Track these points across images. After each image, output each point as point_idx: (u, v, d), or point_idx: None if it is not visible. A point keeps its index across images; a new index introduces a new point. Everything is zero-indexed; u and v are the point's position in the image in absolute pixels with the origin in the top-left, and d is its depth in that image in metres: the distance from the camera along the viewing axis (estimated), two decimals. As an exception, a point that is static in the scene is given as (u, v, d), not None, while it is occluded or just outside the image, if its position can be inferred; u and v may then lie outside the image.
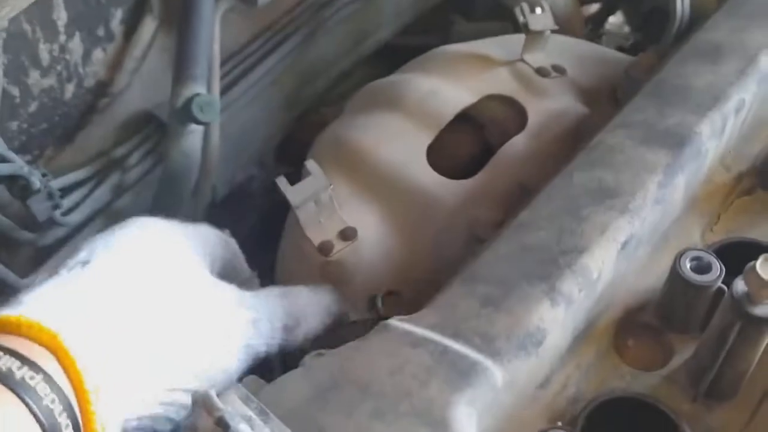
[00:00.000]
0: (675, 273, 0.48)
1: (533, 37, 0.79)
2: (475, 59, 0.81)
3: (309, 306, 0.58)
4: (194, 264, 0.52)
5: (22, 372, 0.39)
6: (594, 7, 1.25)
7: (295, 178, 0.69)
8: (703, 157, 0.54)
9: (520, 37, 0.81)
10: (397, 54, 1.07)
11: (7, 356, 0.39)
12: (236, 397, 0.41)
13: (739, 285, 0.44)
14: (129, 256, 0.49)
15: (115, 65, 0.80)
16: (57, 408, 0.39)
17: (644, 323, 0.52)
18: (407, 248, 0.69)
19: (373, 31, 1.05)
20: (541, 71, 0.79)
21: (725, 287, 0.46)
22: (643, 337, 0.52)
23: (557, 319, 0.46)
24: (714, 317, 0.46)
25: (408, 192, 0.71)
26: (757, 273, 0.41)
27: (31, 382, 0.39)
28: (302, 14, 0.96)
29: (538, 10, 0.79)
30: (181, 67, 0.76)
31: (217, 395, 0.41)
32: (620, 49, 0.91)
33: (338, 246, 0.68)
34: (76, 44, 0.74)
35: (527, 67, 0.79)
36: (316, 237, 0.68)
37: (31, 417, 0.38)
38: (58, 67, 0.73)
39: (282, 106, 0.98)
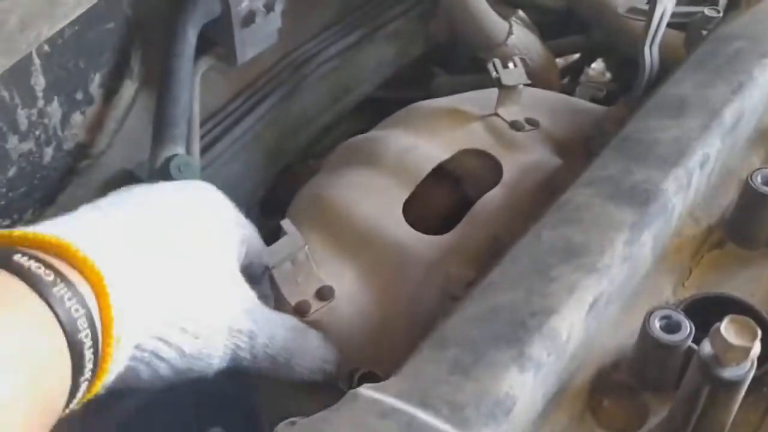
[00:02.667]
0: (645, 333, 0.48)
1: (506, 91, 0.80)
2: (450, 114, 0.82)
3: (310, 352, 0.60)
4: (233, 251, 0.55)
5: (50, 279, 0.40)
6: (573, 57, 1.27)
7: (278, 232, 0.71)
8: (670, 213, 0.55)
9: (494, 91, 0.82)
10: (381, 106, 1.09)
11: (42, 266, 0.41)
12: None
13: (706, 347, 0.43)
14: (186, 215, 0.53)
15: (95, 127, 0.81)
16: (83, 329, 0.41)
17: (618, 382, 0.52)
18: (383, 305, 0.69)
19: (354, 86, 1.06)
20: (514, 125, 0.80)
21: (695, 346, 0.46)
22: (618, 398, 0.51)
23: (526, 384, 0.45)
24: (684, 379, 0.46)
25: (384, 248, 0.71)
26: (722, 335, 0.41)
27: (68, 303, 0.40)
28: (282, 71, 0.97)
29: (511, 65, 0.80)
30: (160, 130, 0.77)
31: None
32: (594, 99, 0.92)
33: (315, 306, 0.68)
34: (55, 108, 0.75)
35: (501, 121, 0.80)
36: (292, 297, 0.68)
37: (55, 322, 0.40)
38: (37, 132, 0.74)
39: (264, 162, 0.99)
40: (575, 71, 1.25)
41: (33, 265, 0.40)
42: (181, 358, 0.49)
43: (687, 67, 0.64)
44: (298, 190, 0.84)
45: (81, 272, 0.43)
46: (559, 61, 1.19)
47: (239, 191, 0.97)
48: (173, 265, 0.50)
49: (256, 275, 0.63)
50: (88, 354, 0.41)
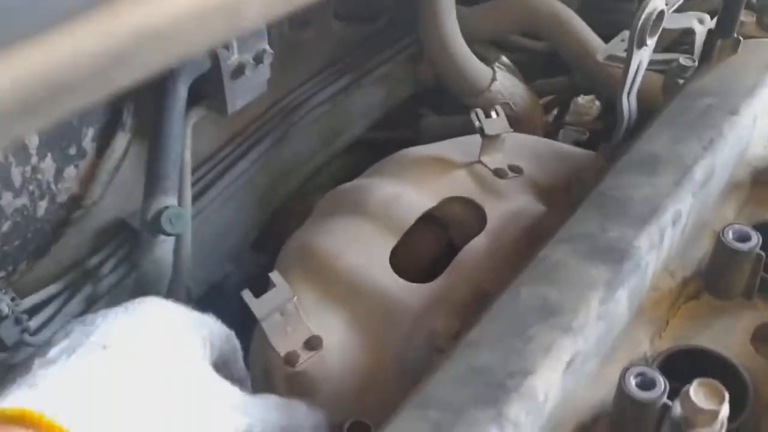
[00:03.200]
0: (621, 390, 0.50)
1: (490, 140, 0.82)
2: (435, 162, 0.84)
3: (302, 425, 0.59)
4: (198, 357, 0.54)
5: None
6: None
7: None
8: (644, 269, 0.56)
9: (479, 137, 0.84)
10: (371, 146, 1.11)
11: None
12: None
13: (677, 409, 0.45)
14: (142, 344, 0.51)
15: (88, 179, 0.82)
16: None
17: (597, 439, 0.53)
18: (372, 354, 0.70)
19: (343, 129, 1.09)
20: (498, 172, 0.82)
21: (670, 402, 0.48)
22: (598, 453, 0.53)
23: (505, 444, 0.47)
24: (658, 437, 0.47)
25: (371, 298, 0.72)
26: (691, 399, 0.43)
27: None
28: (273, 118, 0.99)
29: (494, 114, 0.82)
30: (151, 181, 0.79)
31: None
32: (577, 143, 0.94)
33: (304, 356, 0.69)
34: (48, 164, 0.76)
35: (485, 168, 0.82)
36: (281, 348, 0.69)
37: None
38: (31, 187, 0.75)
39: (256, 206, 1.01)
40: (563, 104, 1.27)
41: None
42: None
43: (660, 123, 0.66)
44: (289, 227, 0.86)
45: None
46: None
47: (231, 235, 0.99)
48: (147, 404, 0.48)
49: (230, 360, 0.62)
50: None
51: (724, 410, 0.43)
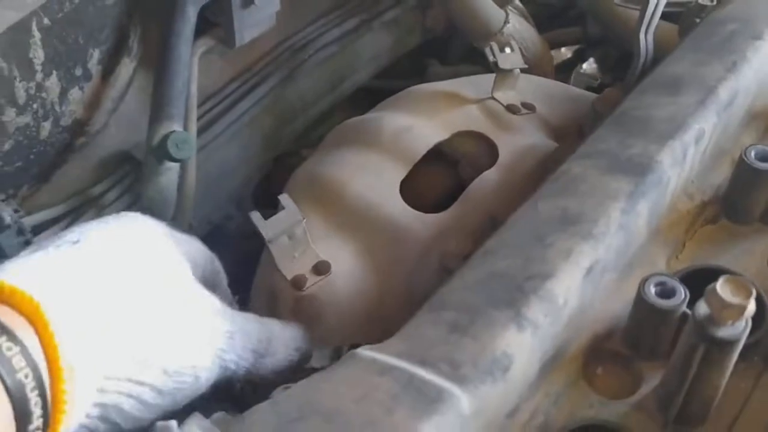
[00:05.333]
0: (640, 298, 0.49)
1: (503, 75, 0.81)
2: (447, 97, 0.83)
3: (279, 337, 0.58)
4: (180, 264, 0.53)
5: (0, 341, 0.38)
6: (564, 52, 1.28)
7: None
8: (665, 185, 0.55)
9: (491, 77, 0.83)
10: (375, 97, 1.10)
11: None
12: (196, 428, 0.41)
13: (702, 307, 0.44)
14: (119, 244, 0.49)
15: (93, 105, 0.81)
16: (29, 384, 0.39)
17: (613, 351, 0.52)
18: (380, 282, 0.69)
19: (350, 73, 1.07)
20: (511, 108, 0.81)
21: (690, 312, 0.47)
22: (612, 365, 0.52)
23: (524, 344, 0.46)
24: (679, 341, 0.46)
25: (381, 226, 0.71)
26: (718, 294, 0.42)
27: (8, 353, 0.38)
28: (280, 56, 0.97)
29: (508, 50, 0.81)
30: (157, 107, 0.77)
31: (179, 426, 0.41)
32: (589, 88, 0.93)
33: (311, 280, 0.68)
34: (53, 83, 0.75)
35: (497, 104, 0.81)
36: (289, 271, 0.68)
37: (1, 387, 0.38)
38: (35, 106, 0.74)
39: (260, 147, 0.99)
40: (567, 70, 1.26)
41: None
42: (164, 378, 0.47)
43: (683, 47, 0.65)
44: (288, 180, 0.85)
45: (25, 316, 0.40)
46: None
47: (234, 175, 0.97)
48: (122, 294, 0.47)
49: (213, 283, 0.61)
50: (34, 398, 0.39)
51: (751, 305, 0.42)
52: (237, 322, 0.54)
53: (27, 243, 0.66)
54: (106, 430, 0.45)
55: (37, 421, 0.39)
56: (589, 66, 1.44)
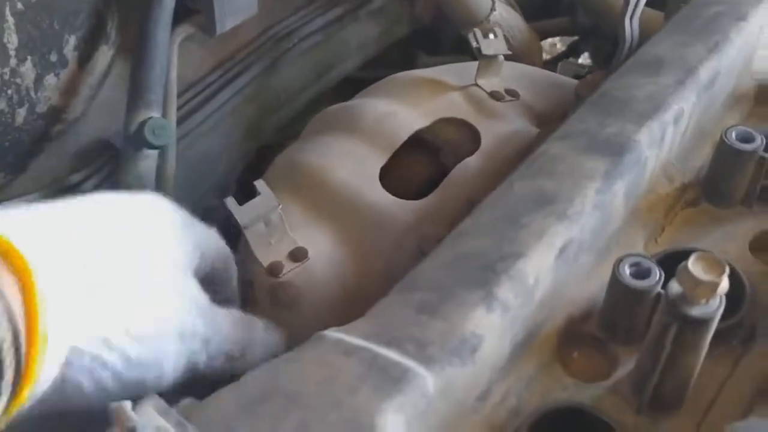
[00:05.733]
0: (614, 279, 0.48)
1: (487, 62, 0.80)
2: (429, 84, 0.82)
3: (259, 343, 0.57)
4: (179, 251, 0.52)
5: None
6: (558, 47, 1.28)
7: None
8: (643, 165, 0.54)
9: (475, 64, 0.82)
10: (362, 87, 1.08)
11: None
12: (152, 409, 0.40)
13: (674, 286, 0.43)
14: (122, 215, 0.49)
15: (70, 92, 0.79)
16: (6, 343, 0.37)
17: (588, 334, 0.51)
18: (359, 269, 0.68)
19: (336, 63, 1.05)
20: (494, 95, 0.79)
21: (664, 292, 0.45)
22: (587, 348, 0.51)
23: (493, 325, 0.45)
24: (653, 321, 0.45)
25: (360, 212, 0.70)
26: (689, 272, 0.41)
27: None
28: (263, 45, 0.96)
29: (491, 36, 0.80)
30: (135, 93, 0.76)
31: (134, 407, 0.40)
32: (576, 76, 0.92)
33: (288, 267, 0.67)
34: (28, 69, 0.74)
35: (481, 91, 0.80)
36: (265, 258, 0.67)
37: None
38: (9, 91, 0.72)
39: (243, 136, 0.98)
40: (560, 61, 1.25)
41: None
42: (127, 364, 0.45)
43: (666, 29, 0.64)
44: None
45: (5, 260, 0.39)
46: (545, 56, 1.19)
47: (216, 165, 0.96)
48: (112, 267, 0.46)
49: (222, 279, 0.60)
50: (9, 354, 0.37)
51: (724, 283, 0.41)
52: (218, 326, 0.52)
53: None
54: (60, 409, 0.44)
55: (9, 368, 0.37)
56: (583, 60, 1.43)
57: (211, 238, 0.58)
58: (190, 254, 0.54)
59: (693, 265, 0.41)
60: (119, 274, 0.46)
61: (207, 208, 0.99)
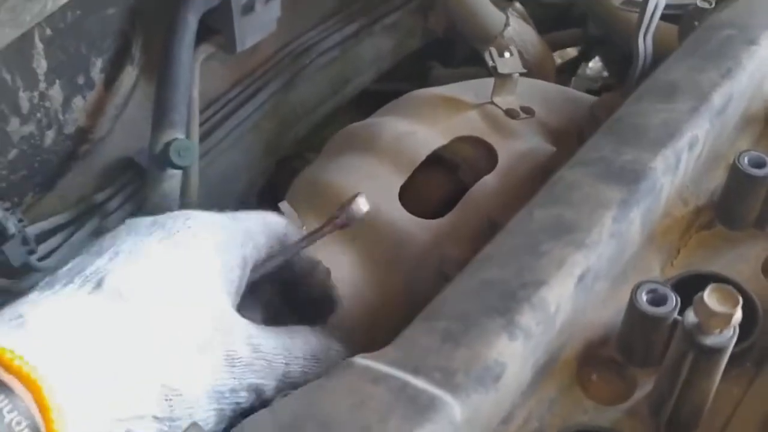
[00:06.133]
0: (632, 306, 0.49)
1: (502, 80, 0.81)
2: (446, 102, 0.83)
3: (320, 351, 0.57)
4: (218, 291, 0.51)
5: None
6: (569, 51, 1.29)
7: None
8: (658, 192, 0.56)
9: (491, 81, 0.83)
10: (378, 100, 1.10)
11: None
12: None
13: (690, 316, 0.45)
14: (145, 278, 0.48)
15: (96, 112, 0.82)
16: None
17: (606, 357, 0.53)
18: (381, 288, 0.70)
19: (352, 77, 1.07)
20: (510, 113, 0.81)
21: (680, 319, 0.47)
22: (606, 372, 0.53)
23: (516, 352, 0.47)
24: (670, 348, 0.47)
25: (381, 232, 0.72)
26: (705, 303, 0.43)
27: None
28: (281, 61, 0.98)
29: (507, 54, 0.81)
30: (159, 114, 0.78)
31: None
32: (589, 91, 0.93)
33: (310, 285, 0.69)
34: (56, 92, 0.76)
35: (497, 109, 0.81)
36: (288, 278, 0.69)
37: None
38: (38, 115, 0.75)
39: (263, 151, 1.00)
40: (572, 69, 1.26)
41: None
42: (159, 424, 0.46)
43: (679, 53, 0.66)
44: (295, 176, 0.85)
45: (18, 378, 0.41)
46: (557, 59, 1.21)
47: (237, 180, 0.98)
48: (126, 355, 0.46)
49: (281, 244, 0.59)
50: None
51: (738, 314, 0.42)
52: (274, 366, 0.52)
53: (31, 252, 0.67)
54: None
55: None
56: (594, 64, 1.44)
57: (262, 221, 0.58)
58: (237, 271, 0.53)
59: (708, 296, 0.43)
60: (137, 358, 0.46)
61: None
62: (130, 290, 0.48)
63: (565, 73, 1.24)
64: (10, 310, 0.46)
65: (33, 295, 0.47)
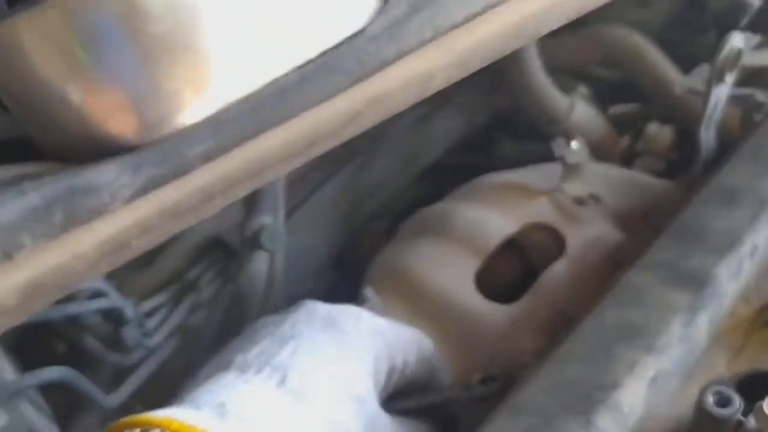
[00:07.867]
0: (699, 407, 0.53)
1: (570, 168, 0.86)
2: (516, 189, 0.88)
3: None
4: (363, 388, 0.57)
5: None
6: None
7: (351, 290, 0.77)
8: (723, 297, 0.60)
9: (558, 165, 0.88)
10: (444, 172, 1.16)
11: None
12: None
13: (751, 422, 0.49)
14: (320, 380, 0.54)
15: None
16: None
17: (676, 452, 0.57)
18: (458, 373, 0.74)
19: (422, 153, 1.14)
20: (578, 200, 0.86)
21: (744, 419, 0.51)
22: (676, 466, 0.56)
23: (593, 451, 0.51)
24: (736, 450, 0.51)
25: (457, 317, 0.77)
26: (764, 412, 0.47)
27: None
28: (357, 141, 1.05)
29: (574, 144, 0.86)
30: (250, 199, 0.85)
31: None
32: (653, 172, 0.97)
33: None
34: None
35: (565, 196, 0.86)
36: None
37: None
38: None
39: (340, 227, 1.06)
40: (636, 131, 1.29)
41: None
42: None
43: (739, 156, 0.70)
44: (363, 247, 0.90)
45: None
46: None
47: (315, 254, 1.04)
48: None
49: (424, 381, 0.66)
50: None
51: (798, 424, 0.46)
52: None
53: (146, 335, 0.74)
54: None
55: None
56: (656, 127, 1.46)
57: (411, 345, 0.63)
58: (383, 377, 0.60)
59: (767, 406, 0.46)
60: None
61: (308, 292, 1.08)
62: (308, 391, 0.54)
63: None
64: (210, 396, 0.51)
65: (229, 378, 0.53)
